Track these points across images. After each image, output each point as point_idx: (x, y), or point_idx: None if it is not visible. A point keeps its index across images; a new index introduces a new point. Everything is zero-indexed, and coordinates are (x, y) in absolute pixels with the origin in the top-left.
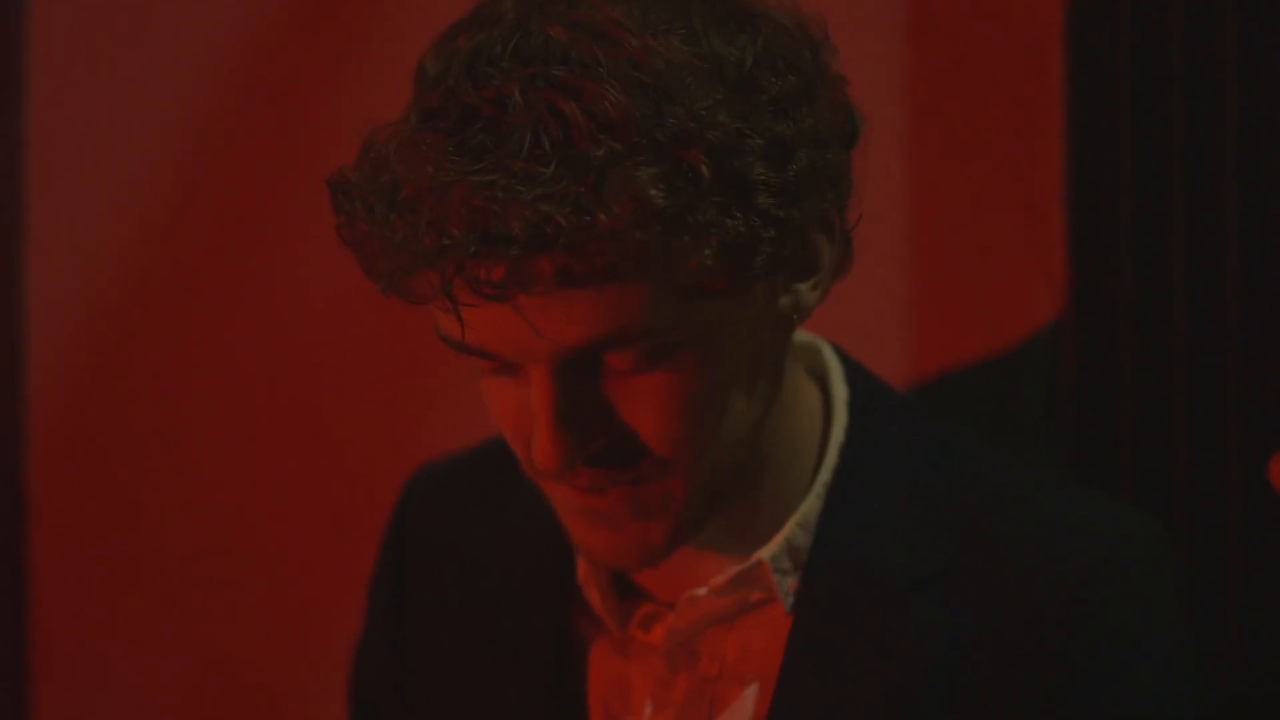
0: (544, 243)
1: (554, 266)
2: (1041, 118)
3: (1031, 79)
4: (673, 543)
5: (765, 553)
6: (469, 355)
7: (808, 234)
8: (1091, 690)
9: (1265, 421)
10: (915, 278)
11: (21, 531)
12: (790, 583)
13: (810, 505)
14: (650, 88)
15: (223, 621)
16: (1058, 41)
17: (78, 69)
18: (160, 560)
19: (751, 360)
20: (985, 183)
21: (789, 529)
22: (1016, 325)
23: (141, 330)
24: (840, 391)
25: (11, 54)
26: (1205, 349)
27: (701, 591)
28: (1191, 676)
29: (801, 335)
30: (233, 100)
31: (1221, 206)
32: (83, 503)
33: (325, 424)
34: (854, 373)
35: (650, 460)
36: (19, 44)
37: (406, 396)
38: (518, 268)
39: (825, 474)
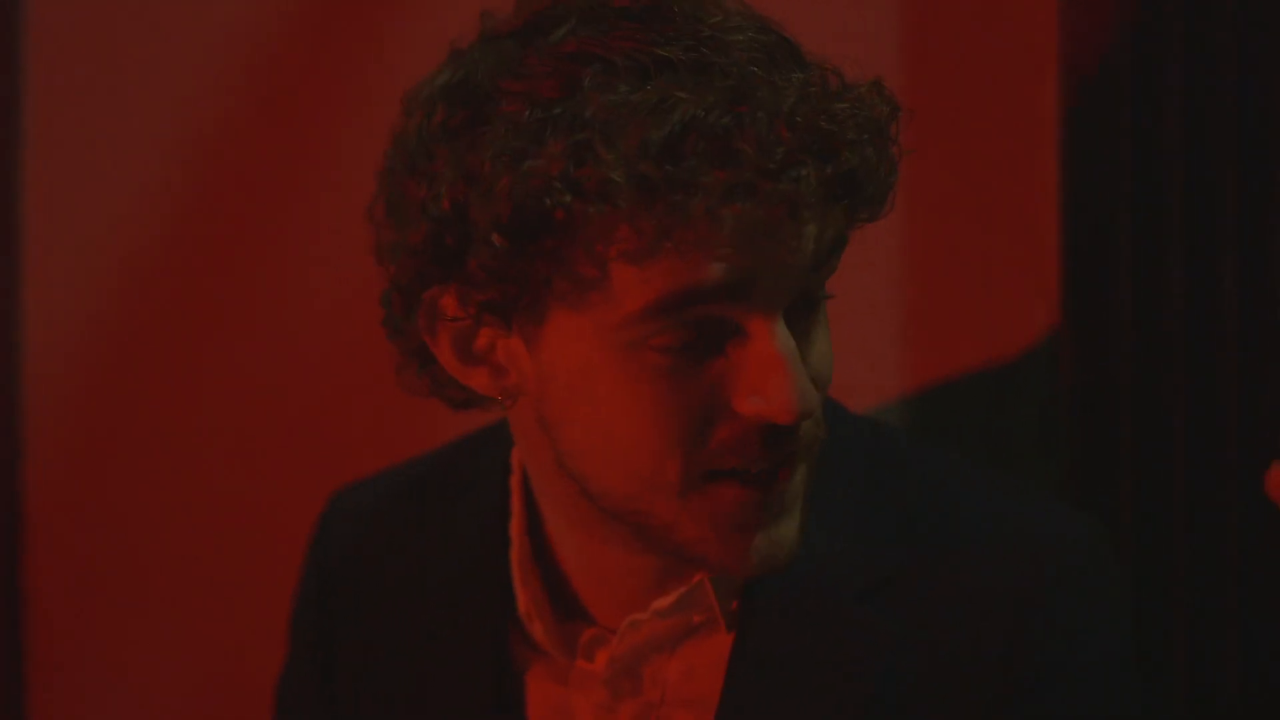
0: (856, 142)
1: (828, 175)
2: (1036, 130)
3: (1026, 91)
4: (804, 526)
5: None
6: (689, 314)
7: None
8: (1038, 693)
9: (1262, 433)
10: (910, 291)
11: (18, 534)
12: (731, 602)
13: None
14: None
15: (220, 625)
16: (1053, 53)
17: (75, 70)
18: (157, 563)
19: None
20: (979, 196)
21: None
22: (1011, 338)
23: (139, 333)
24: None
25: (8, 54)
26: (1202, 361)
27: (644, 616)
28: (1136, 677)
29: None
30: (231, 100)
31: (1218, 218)
32: (80, 506)
33: (323, 427)
34: None
35: (814, 434)
36: (16, 45)
37: (406, 399)
38: (824, 180)
39: None
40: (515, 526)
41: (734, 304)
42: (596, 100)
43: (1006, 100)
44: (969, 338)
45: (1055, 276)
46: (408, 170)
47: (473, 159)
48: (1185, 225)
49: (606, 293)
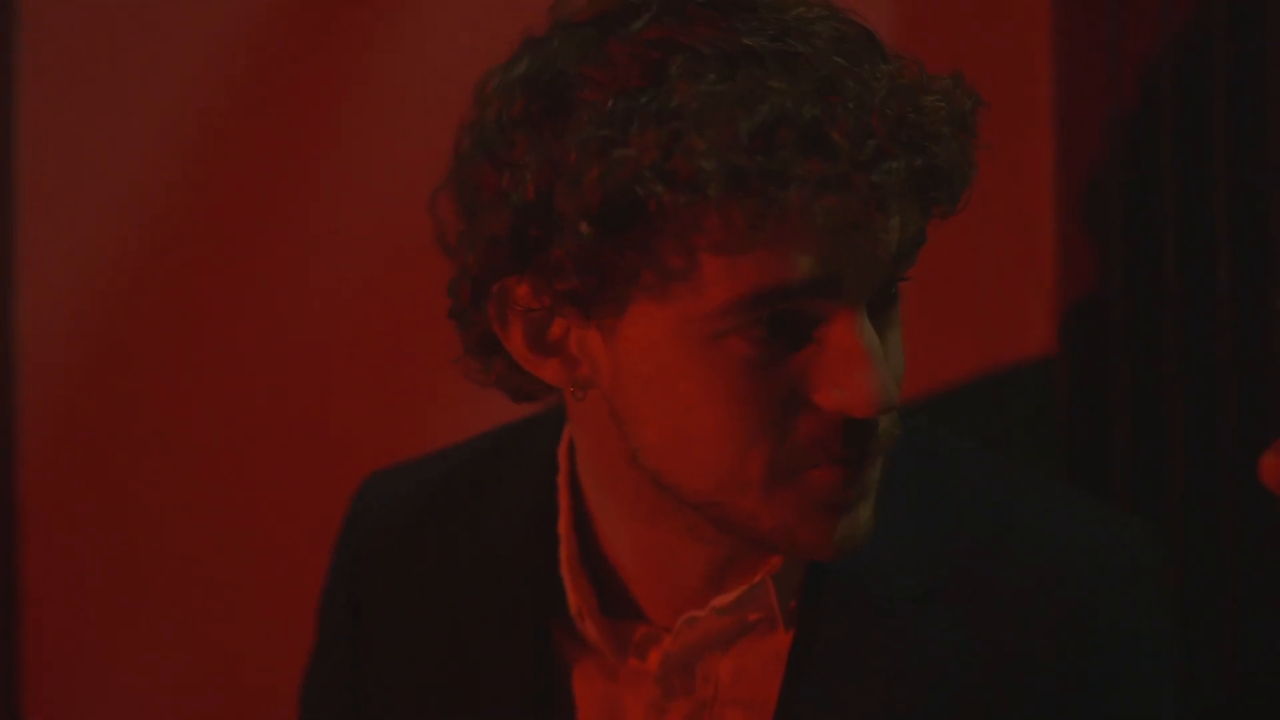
0: (944, 136)
1: (918, 168)
2: (1031, 130)
3: (1021, 93)
4: (878, 515)
5: (769, 571)
6: (775, 309)
7: None
8: (1089, 701)
9: (1258, 430)
10: (905, 294)
11: (14, 533)
12: (790, 601)
13: None
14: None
15: (219, 624)
16: (1046, 54)
17: (70, 69)
18: (155, 561)
19: None
20: (975, 196)
21: None
22: (1008, 341)
23: (135, 331)
24: None
25: (4, 52)
26: (1198, 362)
27: (702, 613)
28: (1179, 684)
29: None
30: (228, 99)
31: (1212, 216)
32: (76, 504)
33: (322, 425)
34: None
35: (892, 429)
36: (11, 45)
37: (406, 397)
38: (914, 172)
39: None
40: (564, 524)
41: (820, 297)
42: (684, 89)
43: (1000, 100)
44: (965, 340)
45: (1051, 279)
46: (486, 159)
47: (558, 148)
48: (1180, 225)
49: (694, 284)
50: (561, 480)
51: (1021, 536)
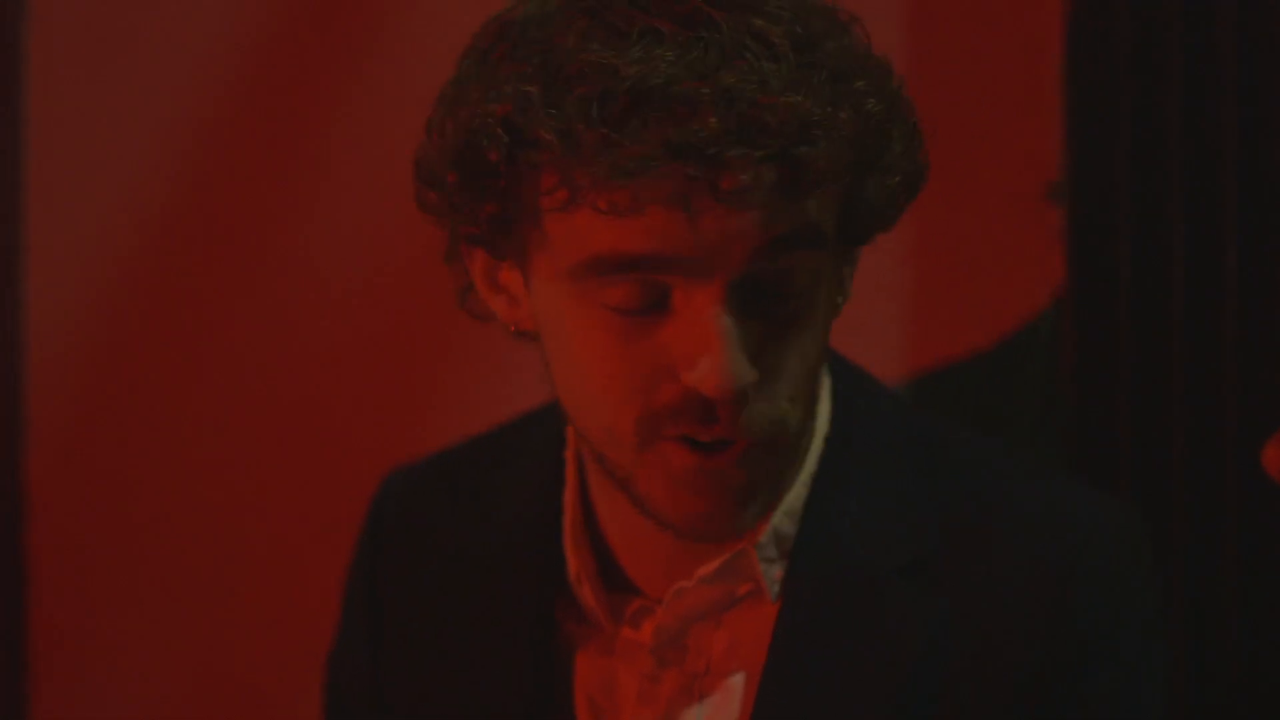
0: (800, 139)
1: (777, 171)
2: (1040, 108)
3: (1031, 68)
4: (763, 510)
5: (752, 541)
6: (625, 276)
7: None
8: (1074, 675)
9: (1263, 409)
10: (913, 271)
11: (21, 528)
12: (776, 571)
13: (796, 494)
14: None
15: (223, 618)
16: (1057, 31)
17: (77, 69)
18: (160, 557)
19: (826, 326)
20: (983, 173)
21: (775, 518)
22: (1015, 316)
23: (141, 327)
24: (825, 380)
25: (10, 53)
26: (1203, 337)
27: (689, 583)
28: (1165, 660)
29: None
30: (232, 99)
31: (1220, 192)
32: (82, 500)
33: (325, 422)
34: (837, 362)
35: (773, 417)
36: (18, 43)
37: (408, 395)
38: (758, 170)
39: (811, 463)
40: (569, 495)
41: (670, 273)
42: (563, 53)
43: (1011, 77)
44: (972, 316)
45: (1058, 255)
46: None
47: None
48: (1187, 201)
49: (549, 242)
50: (569, 454)
51: (1009, 515)
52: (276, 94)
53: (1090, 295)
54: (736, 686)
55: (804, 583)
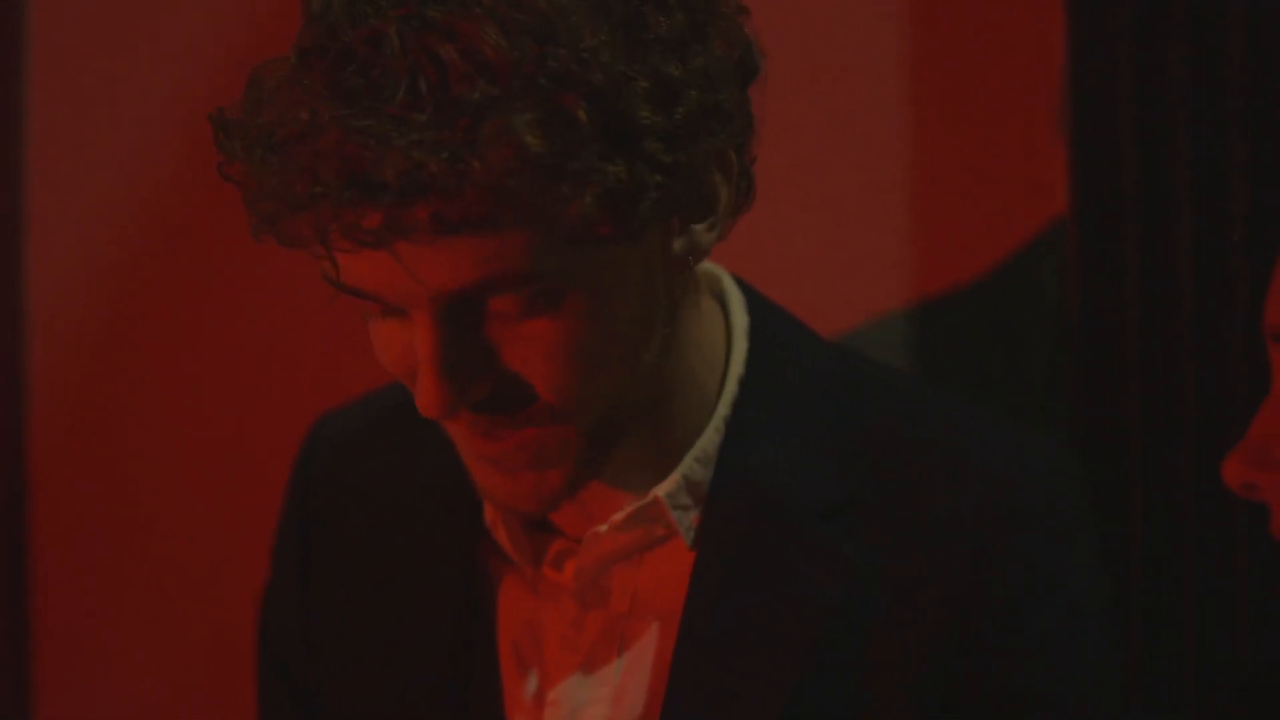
0: (417, 191)
1: (429, 214)
2: (1043, 36)
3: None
4: (570, 487)
5: (661, 489)
6: (353, 297)
7: (700, 176)
8: (1010, 618)
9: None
10: (916, 201)
11: (23, 524)
12: (692, 518)
13: (708, 439)
14: (531, 28)
15: (225, 613)
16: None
17: (78, 65)
18: (163, 556)
19: (644, 305)
20: (986, 102)
21: (685, 464)
22: (1018, 241)
23: (143, 325)
24: (740, 320)
25: (11, 51)
26: (1210, 267)
27: (603, 528)
28: (1106, 609)
29: (702, 265)
30: (233, 97)
31: (1225, 125)
32: (84, 495)
33: None
34: (754, 301)
35: (541, 407)
36: (19, 41)
37: None
38: (393, 215)
39: (724, 407)
40: None
41: (379, 301)
42: (271, 76)
43: (1014, 11)
44: (975, 241)
45: (1062, 183)
46: None
47: None
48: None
49: None
50: None
51: (940, 459)
52: None
53: (1094, 218)
54: (655, 631)
55: (719, 528)
